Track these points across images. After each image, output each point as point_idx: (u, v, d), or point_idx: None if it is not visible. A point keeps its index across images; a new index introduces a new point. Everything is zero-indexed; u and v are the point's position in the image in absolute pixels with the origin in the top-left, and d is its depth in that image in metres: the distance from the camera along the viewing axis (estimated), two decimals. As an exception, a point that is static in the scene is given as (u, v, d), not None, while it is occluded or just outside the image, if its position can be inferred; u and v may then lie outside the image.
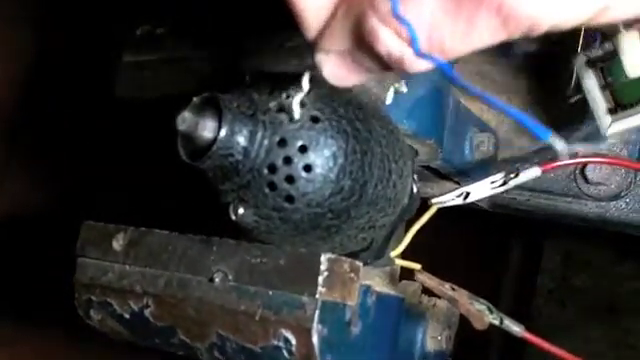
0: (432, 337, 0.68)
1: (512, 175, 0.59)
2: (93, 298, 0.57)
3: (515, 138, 0.76)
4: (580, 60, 0.64)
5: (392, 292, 0.60)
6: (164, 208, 0.58)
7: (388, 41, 0.33)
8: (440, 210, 0.61)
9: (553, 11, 0.32)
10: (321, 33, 0.35)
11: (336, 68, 0.36)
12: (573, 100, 0.69)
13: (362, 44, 0.35)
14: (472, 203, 0.81)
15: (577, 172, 0.76)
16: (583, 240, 1.42)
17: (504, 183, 0.59)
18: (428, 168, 0.68)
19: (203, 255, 0.52)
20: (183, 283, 0.52)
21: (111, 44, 0.59)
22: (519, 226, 1.49)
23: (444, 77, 0.61)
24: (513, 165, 0.67)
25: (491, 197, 0.78)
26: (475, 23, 0.32)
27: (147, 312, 0.54)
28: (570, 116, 0.74)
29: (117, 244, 0.56)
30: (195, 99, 0.44)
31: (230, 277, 0.50)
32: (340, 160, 0.44)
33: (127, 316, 0.55)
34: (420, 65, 0.34)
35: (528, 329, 0.59)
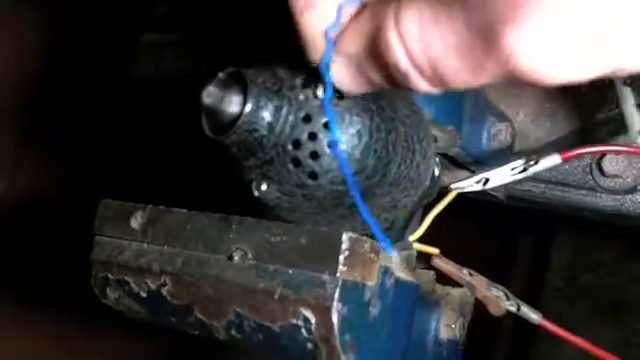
0: (446, 325, 0.67)
1: (532, 162, 0.59)
2: (110, 276, 0.57)
3: (531, 130, 0.75)
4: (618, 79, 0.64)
5: (408, 278, 0.60)
6: (181, 189, 0.58)
7: (399, 54, 0.35)
8: (450, 207, 0.61)
9: (560, 73, 0.32)
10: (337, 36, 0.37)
11: (342, 71, 0.38)
12: (610, 114, 0.69)
13: (373, 51, 0.36)
14: (487, 195, 0.81)
15: (593, 164, 0.75)
16: (592, 239, 1.42)
17: (524, 170, 0.59)
18: (444, 156, 0.67)
19: (222, 233, 0.51)
20: (201, 261, 0.52)
21: (128, 26, 0.59)
22: (528, 224, 1.48)
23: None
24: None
25: (507, 188, 0.78)
26: (481, 68, 0.33)
27: (164, 290, 0.54)
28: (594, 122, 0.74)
29: (135, 222, 0.56)
30: (220, 74, 0.44)
31: (249, 255, 0.50)
32: (365, 138, 0.44)
33: (144, 294, 0.55)
34: (422, 86, 0.36)
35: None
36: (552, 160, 0.58)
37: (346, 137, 0.44)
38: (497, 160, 0.67)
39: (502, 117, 0.71)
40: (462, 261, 0.62)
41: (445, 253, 0.62)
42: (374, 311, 0.50)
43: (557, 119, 0.74)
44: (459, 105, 0.62)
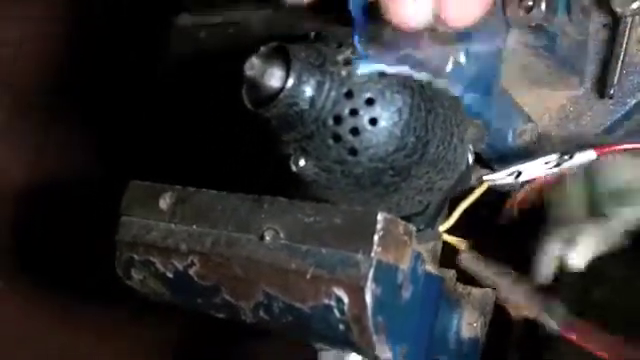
0: (468, 323, 0.67)
1: (566, 157, 0.59)
2: (135, 257, 0.56)
3: (555, 133, 0.75)
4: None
5: (434, 271, 0.60)
6: (209, 173, 0.58)
7: None
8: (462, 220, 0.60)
9: None
10: None
11: None
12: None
13: None
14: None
15: (615, 169, 0.75)
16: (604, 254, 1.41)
17: (557, 165, 0.58)
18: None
19: (254, 214, 0.51)
20: (231, 242, 0.52)
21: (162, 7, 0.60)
22: (538, 236, 1.48)
23: (497, 60, 0.62)
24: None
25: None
26: None
27: (191, 271, 0.53)
28: (612, 115, 0.74)
29: (164, 203, 0.56)
30: (263, 47, 0.44)
31: (281, 235, 0.49)
32: (405, 115, 0.44)
33: (170, 275, 0.54)
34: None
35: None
36: (587, 155, 0.58)
37: (387, 114, 0.44)
38: (521, 160, 0.68)
39: (527, 119, 0.71)
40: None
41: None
42: (406, 295, 0.50)
43: (581, 123, 0.74)
44: (488, 100, 0.62)
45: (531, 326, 0.56)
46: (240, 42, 0.53)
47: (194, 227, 0.53)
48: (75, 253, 0.98)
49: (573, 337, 0.52)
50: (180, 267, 0.54)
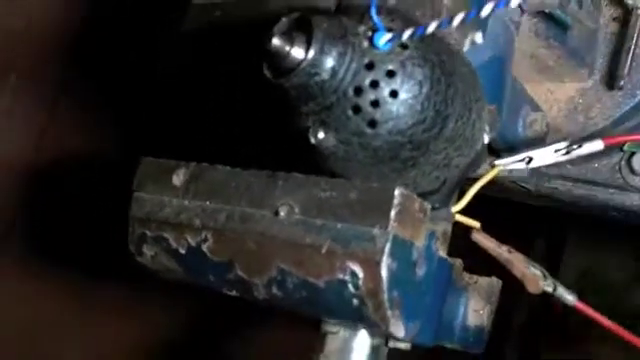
0: (474, 311, 0.67)
1: (575, 146, 0.59)
2: (148, 233, 0.56)
3: (564, 125, 0.76)
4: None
5: (444, 255, 0.60)
6: (223, 149, 0.58)
7: None
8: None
9: None
10: None
11: None
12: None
13: None
14: (509, 192, 0.81)
15: (623, 162, 0.75)
16: (601, 259, 1.42)
17: (567, 152, 0.59)
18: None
19: (268, 189, 0.51)
20: (245, 217, 0.52)
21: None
22: (537, 242, 1.48)
23: (510, 45, 0.62)
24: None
25: (537, 182, 0.78)
26: None
27: (204, 247, 0.53)
28: (620, 107, 0.75)
29: (177, 179, 0.55)
30: (284, 18, 0.44)
31: (296, 210, 0.49)
32: (425, 89, 0.45)
33: (182, 251, 0.54)
34: None
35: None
36: (595, 145, 0.59)
37: (407, 86, 0.44)
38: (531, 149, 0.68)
39: (537, 108, 0.71)
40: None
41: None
42: (420, 273, 0.50)
43: (590, 115, 0.75)
44: (501, 87, 0.62)
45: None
46: (257, 18, 0.53)
47: (208, 203, 0.53)
48: (80, 234, 0.98)
49: (589, 311, 0.52)
50: (193, 243, 0.54)
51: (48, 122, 0.93)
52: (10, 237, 0.98)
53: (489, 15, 0.41)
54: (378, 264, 0.46)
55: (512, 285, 0.63)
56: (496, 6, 0.39)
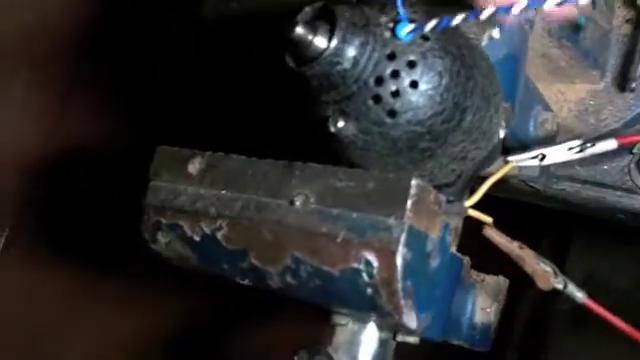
0: (482, 309, 0.67)
1: (589, 145, 0.59)
2: (163, 221, 0.56)
3: (575, 126, 0.76)
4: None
5: (454, 251, 0.60)
6: (238, 139, 0.58)
7: None
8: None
9: None
10: None
11: None
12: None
13: None
14: (517, 193, 0.82)
15: (632, 165, 0.76)
16: (606, 262, 1.42)
17: (580, 150, 0.59)
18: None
19: (284, 179, 0.51)
20: (261, 206, 0.52)
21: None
22: (543, 243, 1.49)
23: (525, 44, 0.63)
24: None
25: (545, 182, 0.78)
26: None
27: (219, 235, 0.53)
28: (632, 109, 0.75)
29: (193, 168, 0.56)
30: (308, 7, 0.45)
31: (312, 200, 0.50)
32: (445, 80, 0.45)
33: (197, 239, 0.55)
34: None
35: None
36: (609, 144, 0.59)
37: (427, 77, 0.45)
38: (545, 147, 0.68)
39: (548, 107, 0.72)
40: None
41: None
42: (433, 264, 0.50)
43: (601, 117, 0.75)
44: (514, 85, 0.63)
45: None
46: (278, 7, 0.54)
47: (223, 192, 0.54)
48: (89, 228, 0.98)
49: (599, 309, 0.52)
50: (208, 231, 0.54)
51: (60, 115, 0.93)
52: (19, 230, 0.98)
53: (520, 14, 0.41)
54: (394, 254, 0.46)
55: (512, 285, 0.63)
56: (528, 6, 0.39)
